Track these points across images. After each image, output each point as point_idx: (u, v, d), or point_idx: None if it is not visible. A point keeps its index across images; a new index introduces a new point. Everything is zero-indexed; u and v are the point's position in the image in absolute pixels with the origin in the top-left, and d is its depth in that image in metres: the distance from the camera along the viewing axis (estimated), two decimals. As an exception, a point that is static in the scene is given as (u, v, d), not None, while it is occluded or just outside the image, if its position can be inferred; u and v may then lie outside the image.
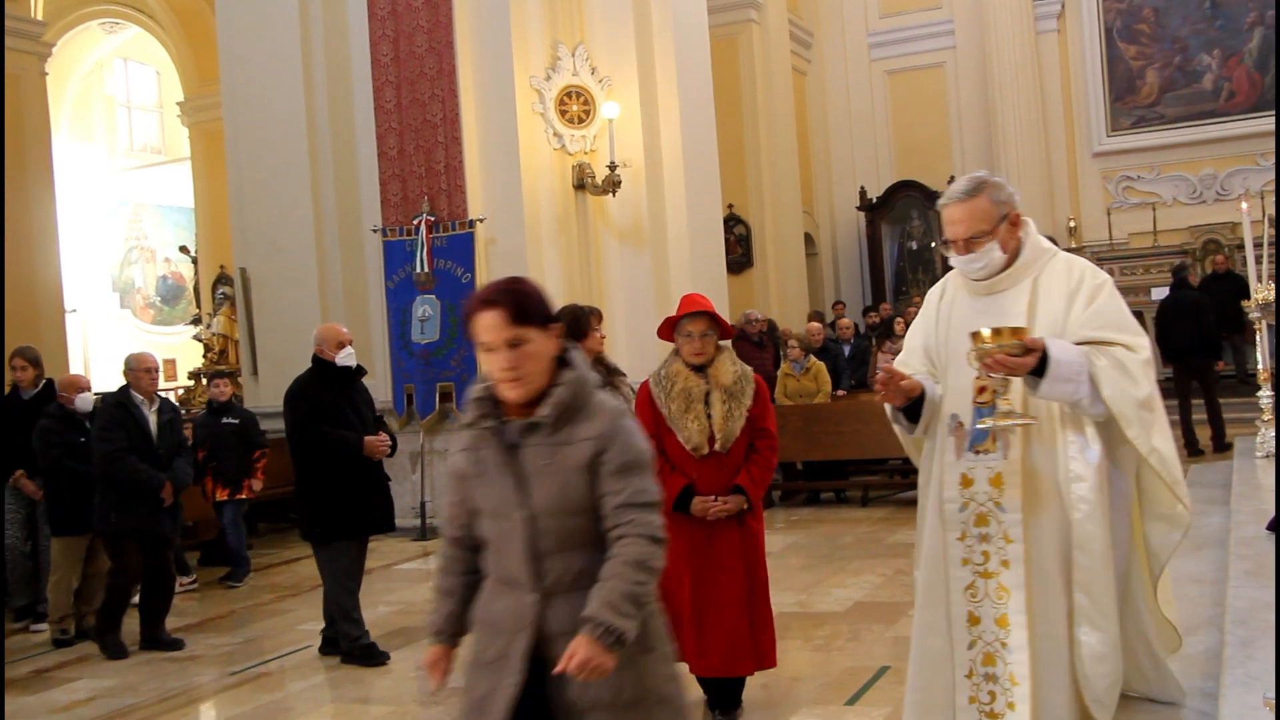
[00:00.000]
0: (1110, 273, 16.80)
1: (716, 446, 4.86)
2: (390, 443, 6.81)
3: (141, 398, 7.37)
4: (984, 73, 18.59)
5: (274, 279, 12.69)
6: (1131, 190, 18.42)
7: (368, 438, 6.67)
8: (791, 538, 9.84)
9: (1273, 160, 17.44)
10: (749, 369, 5.03)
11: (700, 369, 4.91)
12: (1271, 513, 5.51)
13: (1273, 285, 8.33)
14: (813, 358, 11.90)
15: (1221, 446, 11.74)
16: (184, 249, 19.70)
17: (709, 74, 12.83)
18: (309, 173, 12.35)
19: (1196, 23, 18.00)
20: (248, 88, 12.69)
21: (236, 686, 6.45)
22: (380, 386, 11.52)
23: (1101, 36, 18.42)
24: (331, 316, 12.65)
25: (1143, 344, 3.43)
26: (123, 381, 7.48)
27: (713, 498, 4.85)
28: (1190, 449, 11.85)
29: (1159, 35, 18.16)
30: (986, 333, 3.22)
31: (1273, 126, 17.14)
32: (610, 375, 6.26)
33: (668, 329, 5.03)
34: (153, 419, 7.40)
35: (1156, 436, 3.48)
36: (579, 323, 5.85)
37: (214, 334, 15.77)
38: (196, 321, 18.35)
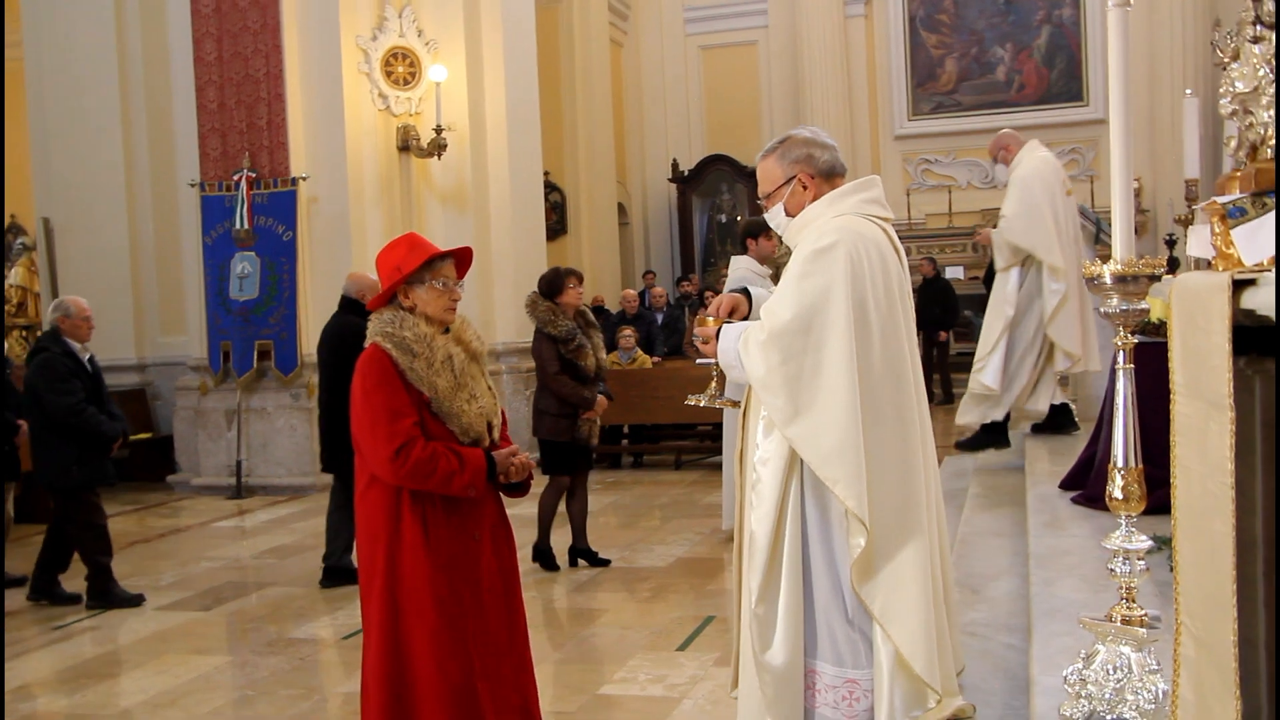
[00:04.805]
0: (908, 251, 17.62)
1: (495, 435, 3.70)
2: None
3: (79, 346, 7.08)
4: (795, 53, 19.20)
5: (80, 230, 12.30)
6: (930, 173, 19.36)
7: None
8: (610, 498, 10.14)
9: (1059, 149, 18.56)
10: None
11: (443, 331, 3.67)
12: (1061, 473, 6.05)
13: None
14: (639, 350, 12.12)
15: (949, 399, 15.06)
16: (-31, 195, 18.67)
17: (533, 41, 12.92)
18: (119, 121, 12.01)
19: (991, 17, 18.99)
20: (52, 25, 12.19)
21: (64, 640, 6.35)
22: (195, 343, 11.33)
23: (906, 25, 19.23)
24: (142, 270, 12.35)
25: (772, 325, 3.13)
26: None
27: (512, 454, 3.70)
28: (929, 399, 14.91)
29: (958, 26, 19.09)
30: (711, 320, 3.38)
31: (1057, 119, 18.28)
32: (588, 327, 7.12)
33: (396, 283, 3.59)
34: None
35: (794, 419, 3.10)
36: (554, 282, 6.94)
37: (12, 285, 15.07)
38: (-15, 272, 17.46)
